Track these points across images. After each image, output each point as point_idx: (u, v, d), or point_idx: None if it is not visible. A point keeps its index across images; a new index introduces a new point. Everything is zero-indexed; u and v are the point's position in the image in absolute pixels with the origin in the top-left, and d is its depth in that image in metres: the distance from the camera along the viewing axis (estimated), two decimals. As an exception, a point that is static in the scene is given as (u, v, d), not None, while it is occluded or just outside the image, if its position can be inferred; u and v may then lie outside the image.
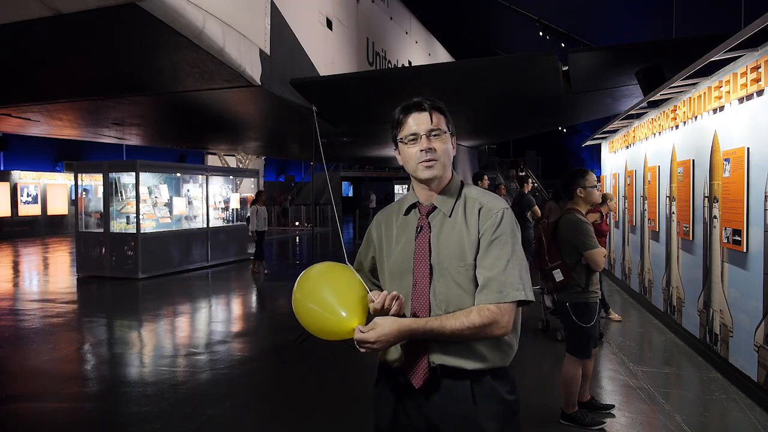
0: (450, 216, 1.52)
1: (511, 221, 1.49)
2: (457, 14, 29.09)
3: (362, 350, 1.40)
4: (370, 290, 1.49)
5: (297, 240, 17.31)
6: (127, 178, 9.66)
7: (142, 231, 9.15)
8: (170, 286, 8.59)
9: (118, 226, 9.54)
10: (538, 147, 33.53)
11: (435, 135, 1.49)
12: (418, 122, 1.50)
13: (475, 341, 1.44)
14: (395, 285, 1.55)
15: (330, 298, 1.45)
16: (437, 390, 1.48)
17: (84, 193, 10.31)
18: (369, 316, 1.46)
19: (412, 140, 1.50)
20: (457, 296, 1.45)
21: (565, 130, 31.18)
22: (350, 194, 36.61)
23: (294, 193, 27.93)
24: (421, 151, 1.48)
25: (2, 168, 19.42)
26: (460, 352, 1.45)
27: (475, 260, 1.46)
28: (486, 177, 7.41)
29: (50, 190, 18.54)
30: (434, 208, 1.54)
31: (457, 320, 1.39)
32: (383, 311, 1.41)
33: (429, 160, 1.48)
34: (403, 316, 1.46)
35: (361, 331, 1.38)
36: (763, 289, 3.58)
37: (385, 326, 1.37)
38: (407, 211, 1.59)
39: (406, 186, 11.38)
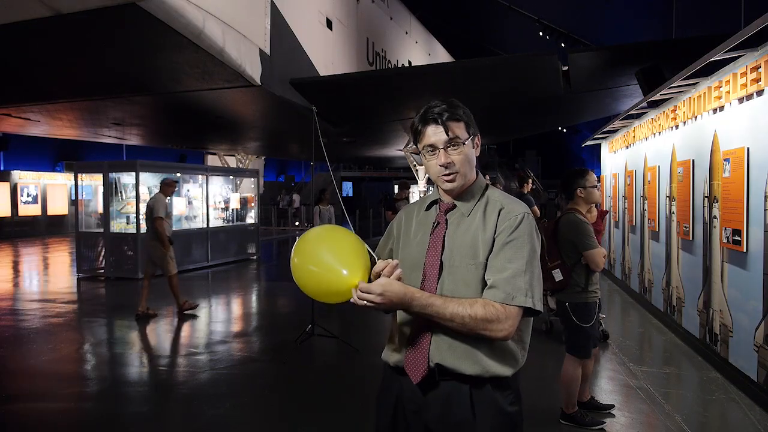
0: (468, 216, 1.51)
1: (531, 227, 1.46)
2: (457, 14, 29.09)
3: (361, 302, 1.37)
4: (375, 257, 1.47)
5: (297, 240, 17.31)
6: (127, 178, 9.65)
7: (142, 231, 9.15)
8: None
9: (118, 226, 9.53)
10: (538, 147, 33.55)
11: (453, 147, 1.48)
12: (435, 135, 1.49)
13: (476, 344, 1.42)
14: (405, 277, 1.53)
15: (329, 258, 1.42)
16: (436, 395, 1.47)
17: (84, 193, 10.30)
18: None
19: (431, 152, 1.50)
20: (462, 295, 1.44)
21: (565, 130, 31.20)
22: (350, 194, 36.60)
23: (296, 192, 27.93)
24: (440, 165, 1.48)
25: (2, 168, 19.42)
26: (461, 354, 1.43)
27: (487, 260, 1.44)
28: (487, 177, 7.39)
29: (50, 190, 18.53)
30: (454, 206, 1.54)
31: (460, 305, 1.37)
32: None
33: (449, 174, 1.49)
34: None
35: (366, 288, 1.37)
36: (763, 289, 3.59)
37: (393, 285, 1.36)
38: (428, 207, 1.60)
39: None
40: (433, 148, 1.49)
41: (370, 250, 1.49)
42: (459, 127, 1.49)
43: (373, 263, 1.45)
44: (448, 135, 1.47)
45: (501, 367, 1.44)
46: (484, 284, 1.44)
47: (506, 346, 1.44)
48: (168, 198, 6.58)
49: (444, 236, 1.50)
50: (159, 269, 6.50)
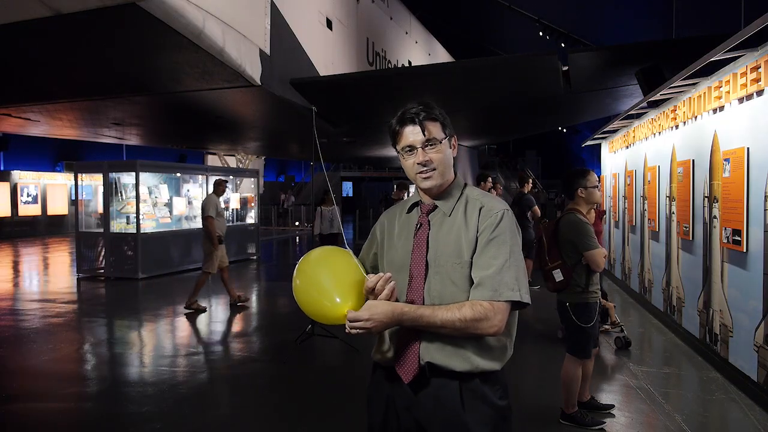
0: (450, 215, 1.54)
1: (511, 223, 1.50)
2: (457, 14, 29.08)
3: (354, 331, 1.40)
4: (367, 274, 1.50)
5: (297, 240, 17.32)
6: (127, 178, 9.65)
7: (142, 231, 9.15)
8: (170, 286, 8.59)
9: (118, 226, 9.53)
10: (538, 147, 33.55)
11: (430, 146, 1.51)
12: (413, 134, 1.52)
13: (465, 341, 1.44)
14: (393, 281, 1.56)
15: (326, 283, 1.47)
16: (426, 391, 1.49)
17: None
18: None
19: (409, 152, 1.54)
20: (451, 293, 1.47)
21: (565, 130, 31.19)
22: (350, 194, 36.61)
23: (294, 193, 27.94)
24: (418, 164, 1.52)
25: (2, 168, 19.41)
26: (450, 352, 1.45)
27: (472, 258, 1.47)
28: (490, 178, 7.37)
29: (50, 190, 18.53)
30: (435, 207, 1.57)
31: (449, 311, 1.40)
32: (375, 294, 1.44)
33: (426, 171, 1.52)
34: None
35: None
36: (763, 289, 3.59)
37: (379, 306, 1.40)
38: (410, 209, 1.63)
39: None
40: (411, 147, 1.52)
41: (366, 275, 1.51)
42: (435, 126, 1.53)
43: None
44: (424, 134, 1.50)
45: (490, 362, 1.47)
46: (471, 281, 1.46)
47: (495, 340, 1.47)
48: (221, 197, 6.94)
49: (428, 237, 1.53)
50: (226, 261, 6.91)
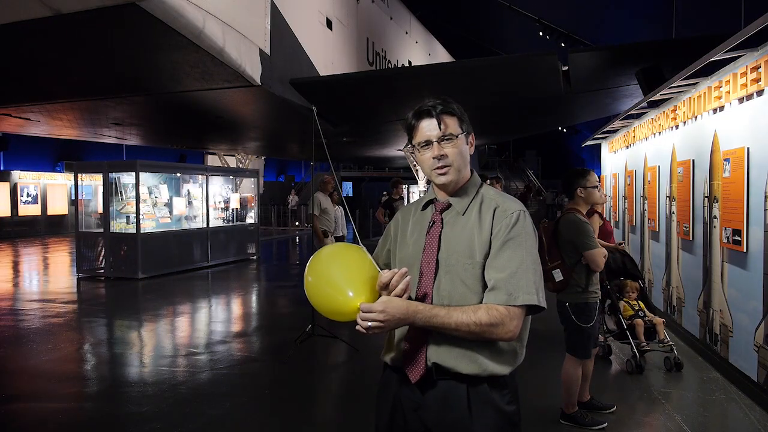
0: (463, 214, 1.51)
1: (528, 224, 1.45)
2: (457, 14, 29.08)
3: (366, 324, 1.34)
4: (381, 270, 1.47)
5: (297, 240, 17.32)
6: (127, 178, 9.65)
7: (142, 231, 9.15)
8: (170, 286, 8.59)
9: (118, 226, 9.53)
10: (538, 147, 33.55)
11: (447, 140, 1.48)
12: (429, 129, 1.49)
13: (474, 344, 1.41)
14: None
15: (338, 278, 1.43)
16: (433, 394, 1.47)
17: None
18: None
19: (425, 146, 1.51)
20: (460, 294, 1.44)
21: (565, 130, 31.19)
22: (350, 194, 36.58)
23: (296, 192, 27.92)
24: (434, 158, 1.49)
25: (2, 168, 19.40)
26: (458, 354, 1.42)
27: (485, 259, 1.43)
28: (489, 180, 7.35)
29: (50, 190, 18.52)
30: (449, 205, 1.54)
31: (464, 313, 1.37)
32: (389, 290, 1.39)
33: (442, 167, 1.49)
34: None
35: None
36: (763, 289, 3.58)
37: (394, 301, 1.36)
38: (424, 207, 1.60)
39: (406, 186, 11.20)
40: (427, 142, 1.50)
41: (380, 269, 1.48)
42: (452, 120, 1.50)
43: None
44: (440, 128, 1.48)
45: (499, 366, 1.44)
46: (482, 282, 1.43)
47: (504, 344, 1.44)
48: (328, 194, 7.16)
49: (440, 235, 1.50)
50: None
